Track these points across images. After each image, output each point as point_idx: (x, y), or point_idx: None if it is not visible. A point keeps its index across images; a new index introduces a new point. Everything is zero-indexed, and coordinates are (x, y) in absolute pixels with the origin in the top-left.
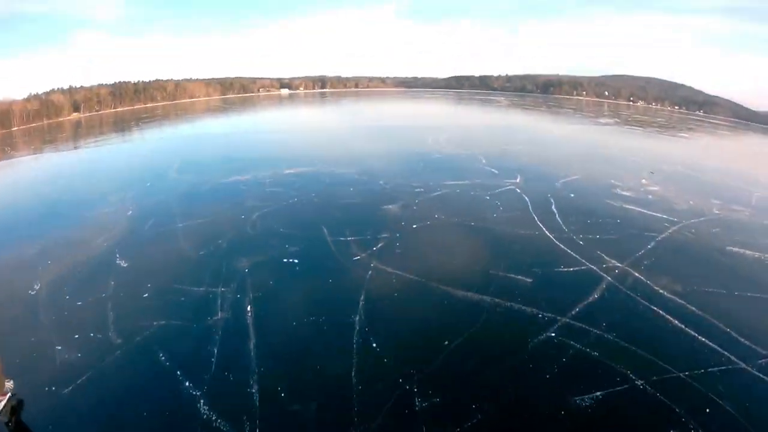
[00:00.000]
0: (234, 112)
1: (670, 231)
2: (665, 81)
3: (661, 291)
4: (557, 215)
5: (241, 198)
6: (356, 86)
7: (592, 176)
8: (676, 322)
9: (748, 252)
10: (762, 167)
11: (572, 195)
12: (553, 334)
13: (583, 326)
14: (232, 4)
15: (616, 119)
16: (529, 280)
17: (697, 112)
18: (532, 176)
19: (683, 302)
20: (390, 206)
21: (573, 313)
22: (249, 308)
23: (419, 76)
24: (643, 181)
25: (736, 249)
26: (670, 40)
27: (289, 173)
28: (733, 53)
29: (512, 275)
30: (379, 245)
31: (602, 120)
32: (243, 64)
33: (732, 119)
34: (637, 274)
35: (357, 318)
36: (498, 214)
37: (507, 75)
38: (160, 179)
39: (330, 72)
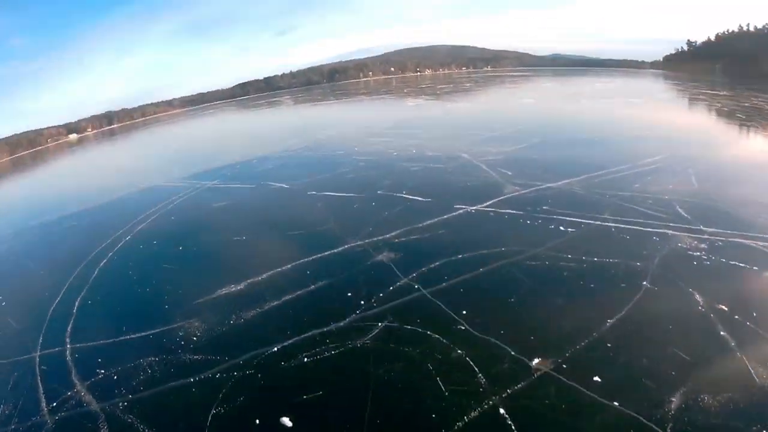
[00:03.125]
0: None
1: None
2: (449, 45)
3: None
4: None
5: None
6: (143, 116)
7: None
8: None
9: None
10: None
11: None
12: None
13: None
14: None
15: (425, 96)
16: None
17: (486, 68)
18: None
19: None
20: None
21: None
22: None
23: (204, 91)
24: None
25: None
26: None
27: None
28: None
29: None
30: None
31: (410, 101)
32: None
33: (520, 68)
34: None
35: None
36: None
37: (291, 72)
38: None
39: (115, 106)
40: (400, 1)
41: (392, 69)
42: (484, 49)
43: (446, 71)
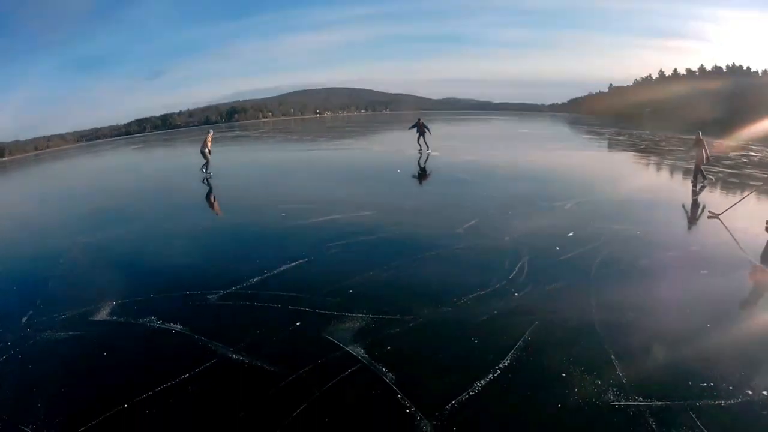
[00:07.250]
0: None
1: None
2: (347, 88)
3: None
4: None
5: None
6: (36, 150)
7: None
8: None
9: None
10: None
11: None
12: None
13: None
14: None
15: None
16: None
17: (384, 111)
18: None
19: None
20: None
21: None
22: None
23: (99, 126)
24: None
25: None
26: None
27: None
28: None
29: None
30: None
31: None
32: None
33: (414, 110)
34: None
35: None
36: None
37: (189, 110)
38: None
39: (7, 138)
40: (276, 48)
41: (291, 110)
42: (381, 92)
43: (346, 113)
